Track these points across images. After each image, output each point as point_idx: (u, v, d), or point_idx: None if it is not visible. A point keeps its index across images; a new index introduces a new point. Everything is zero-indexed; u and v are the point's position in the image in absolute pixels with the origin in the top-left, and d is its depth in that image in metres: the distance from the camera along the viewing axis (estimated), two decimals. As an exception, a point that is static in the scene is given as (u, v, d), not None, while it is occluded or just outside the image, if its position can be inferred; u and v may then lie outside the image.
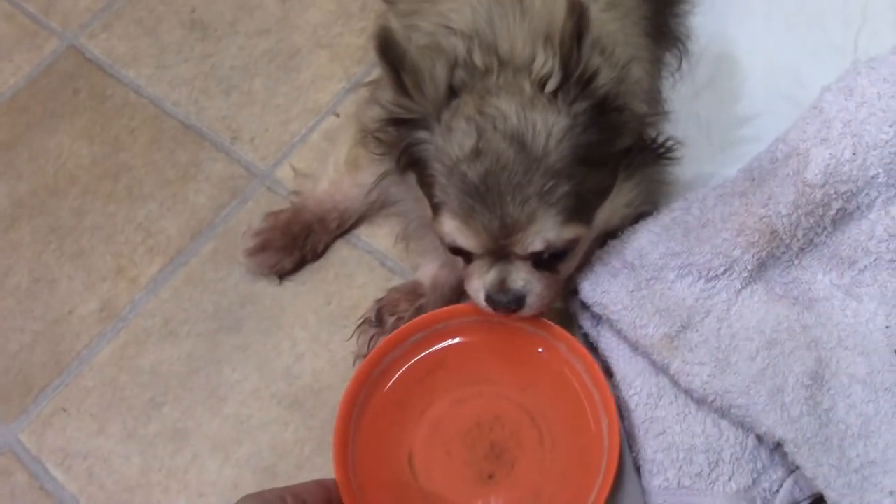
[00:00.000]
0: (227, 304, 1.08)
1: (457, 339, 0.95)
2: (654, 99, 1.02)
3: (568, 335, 0.90)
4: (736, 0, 1.11)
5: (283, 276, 1.07)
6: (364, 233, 1.09)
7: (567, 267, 0.87)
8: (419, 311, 0.98)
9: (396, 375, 0.94)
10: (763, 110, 1.02)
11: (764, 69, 1.05)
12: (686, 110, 1.03)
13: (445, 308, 0.96)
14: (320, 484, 0.84)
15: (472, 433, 0.92)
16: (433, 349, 0.96)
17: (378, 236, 1.09)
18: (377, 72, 1.14)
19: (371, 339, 0.98)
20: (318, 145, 1.17)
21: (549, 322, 0.91)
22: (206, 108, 1.24)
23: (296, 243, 1.06)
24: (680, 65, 1.08)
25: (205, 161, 1.19)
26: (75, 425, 1.02)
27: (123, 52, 1.31)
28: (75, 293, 1.11)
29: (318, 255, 1.08)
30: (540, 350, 0.93)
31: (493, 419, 0.92)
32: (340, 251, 1.09)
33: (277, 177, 1.16)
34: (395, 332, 0.95)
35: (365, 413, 0.92)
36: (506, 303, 0.84)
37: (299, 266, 1.08)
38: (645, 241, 0.89)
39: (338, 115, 1.17)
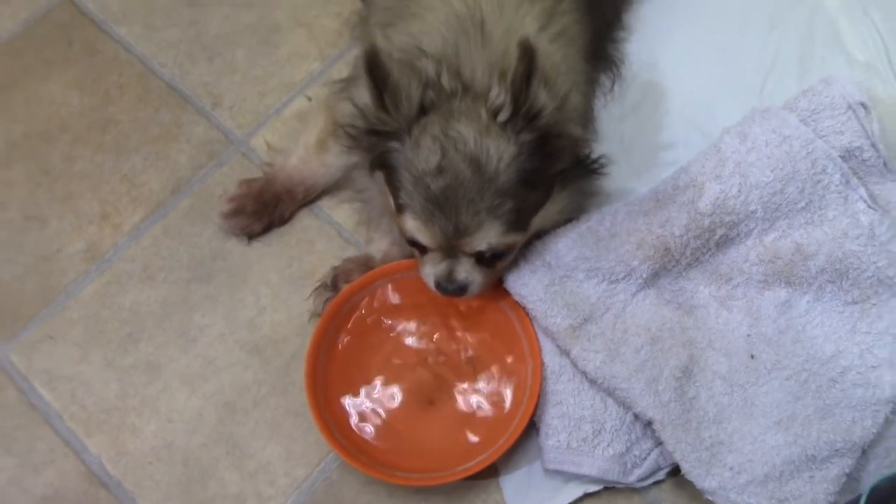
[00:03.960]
0: (200, 257, 1.23)
1: (417, 287, 1.11)
2: (588, 117, 1.18)
3: (507, 293, 1.08)
4: (668, 34, 1.26)
5: (252, 237, 1.22)
6: (326, 205, 1.24)
7: (503, 264, 1.05)
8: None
9: (361, 312, 1.13)
10: (679, 139, 1.19)
11: (683, 101, 1.22)
12: (613, 130, 1.20)
13: (409, 260, 1.12)
14: None
15: (421, 365, 1.11)
16: (394, 294, 1.14)
17: (338, 209, 1.24)
18: (348, 68, 1.28)
19: (325, 300, 1.14)
20: (290, 120, 1.30)
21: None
22: (190, 72, 1.36)
23: (265, 210, 1.21)
24: (612, 86, 1.24)
25: (186, 123, 1.32)
26: (61, 351, 1.17)
27: (116, 9, 1.41)
28: (64, 233, 1.25)
29: (283, 221, 1.23)
30: (484, 304, 1.11)
31: (439, 355, 1.12)
32: (304, 219, 1.24)
33: (252, 145, 1.30)
34: (363, 276, 1.12)
35: (333, 345, 1.11)
36: (451, 290, 1.01)
37: (267, 229, 1.22)
38: (562, 245, 1.06)
39: (310, 99, 1.31)
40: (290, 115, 1.31)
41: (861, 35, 1.23)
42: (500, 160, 0.94)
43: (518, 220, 0.98)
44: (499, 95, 0.94)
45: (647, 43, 1.27)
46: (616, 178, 1.14)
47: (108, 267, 1.22)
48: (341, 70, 1.33)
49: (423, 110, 0.96)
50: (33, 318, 1.19)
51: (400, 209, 0.99)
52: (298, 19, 1.39)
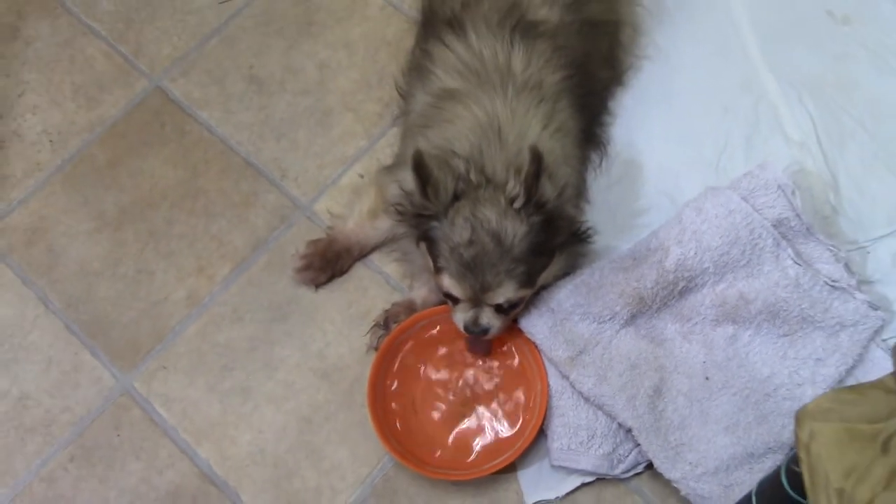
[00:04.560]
0: (277, 301, 1.54)
1: (451, 327, 1.42)
2: (582, 189, 1.50)
3: (520, 330, 1.40)
4: (644, 119, 1.57)
5: (318, 286, 1.54)
6: (376, 258, 1.56)
7: (516, 311, 1.37)
8: (413, 321, 1.48)
9: (408, 347, 1.45)
10: (652, 206, 1.49)
11: (656, 174, 1.52)
12: (602, 198, 1.51)
13: (444, 306, 1.42)
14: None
15: (455, 387, 1.44)
16: (433, 331, 1.46)
17: (386, 262, 1.56)
18: (390, 147, 1.61)
19: (379, 337, 1.46)
20: (345, 189, 1.62)
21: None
22: (262, 149, 1.68)
23: (329, 264, 1.53)
24: (601, 162, 1.55)
25: (261, 192, 1.64)
26: (173, 379, 1.49)
27: (198, 96, 1.73)
28: (168, 284, 1.57)
29: (343, 273, 1.55)
30: (504, 340, 1.42)
31: (469, 378, 1.44)
32: (359, 270, 1.56)
33: (315, 209, 1.61)
34: (409, 318, 1.44)
35: (387, 371, 1.43)
36: (476, 332, 1.33)
37: (330, 279, 1.54)
38: (562, 294, 1.39)
39: (362, 177, 1.62)
40: (345, 184, 1.63)
41: (796, 119, 1.53)
42: (516, 236, 1.26)
43: (528, 279, 1.30)
44: (514, 188, 1.25)
45: (628, 126, 1.57)
46: (604, 237, 1.45)
47: (205, 311, 1.55)
48: (384, 147, 1.66)
49: (457, 197, 1.27)
50: (149, 353, 1.51)
51: (438, 270, 1.31)
52: (347, 104, 1.71)
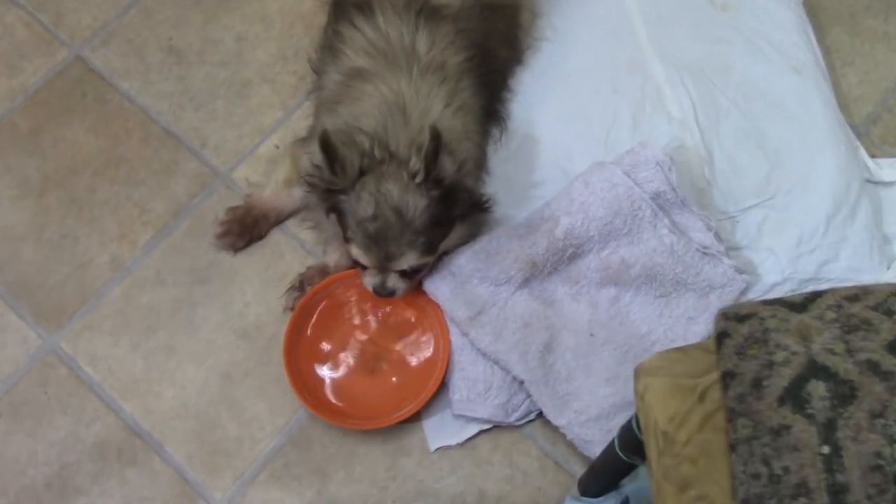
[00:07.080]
0: (198, 265, 1.64)
1: (361, 289, 1.55)
2: (482, 161, 1.62)
3: (425, 293, 1.53)
4: (541, 97, 1.69)
5: (237, 250, 1.64)
6: (292, 225, 1.66)
7: (420, 276, 1.50)
8: (326, 284, 1.59)
9: (322, 307, 1.56)
10: (546, 178, 1.62)
11: (549, 147, 1.64)
12: (501, 169, 1.64)
13: (354, 269, 1.53)
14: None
15: (365, 345, 1.56)
16: (346, 293, 1.57)
17: (301, 229, 1.66)
18: (305, 118, 1.69)
19: (295, 298, 1.58)
20: (262, 159, 1.72)
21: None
22: (181, 119, 1.76)
23: (247, 230, 1.63)
24: (500, 136, 1.67)
25: (181, 160, 1.72)
26: (98, 339, 1.58)
27: (118, 66, 1.79)
28: (92, 248, 1.65)
29: (261, 238, 1.65)
30: (410, 301, 1.55)
31: (377, 336, 1.56)
32: (275, 236, 1.66)
33: (233, 178, 1.71)
34: (322, 281, 1.55)
35: (302, 330, 1.54)
36: (384, 294, 1.46)
37: (248, 244, 1.64)
38: (463, 259, 1.52)
39: (277, 147, 1.72)
40: (262, 154, 1.72)
41: (678, 98, 1.67)
42: (416, 209, 1.38)
43: (429, 248, 1.43)
44: (415, 164, 1.36)
45: (526, 103, 1.69)
46: (501, 207, 1.58)
47: (128, 274, 1.63)
48: (299, 119, 1.75)
49: (362, 172, 1.38)
50: (75, 314, 1.60)
51: (348, 240, 1.43)
52: (264, 76, 1.80)
